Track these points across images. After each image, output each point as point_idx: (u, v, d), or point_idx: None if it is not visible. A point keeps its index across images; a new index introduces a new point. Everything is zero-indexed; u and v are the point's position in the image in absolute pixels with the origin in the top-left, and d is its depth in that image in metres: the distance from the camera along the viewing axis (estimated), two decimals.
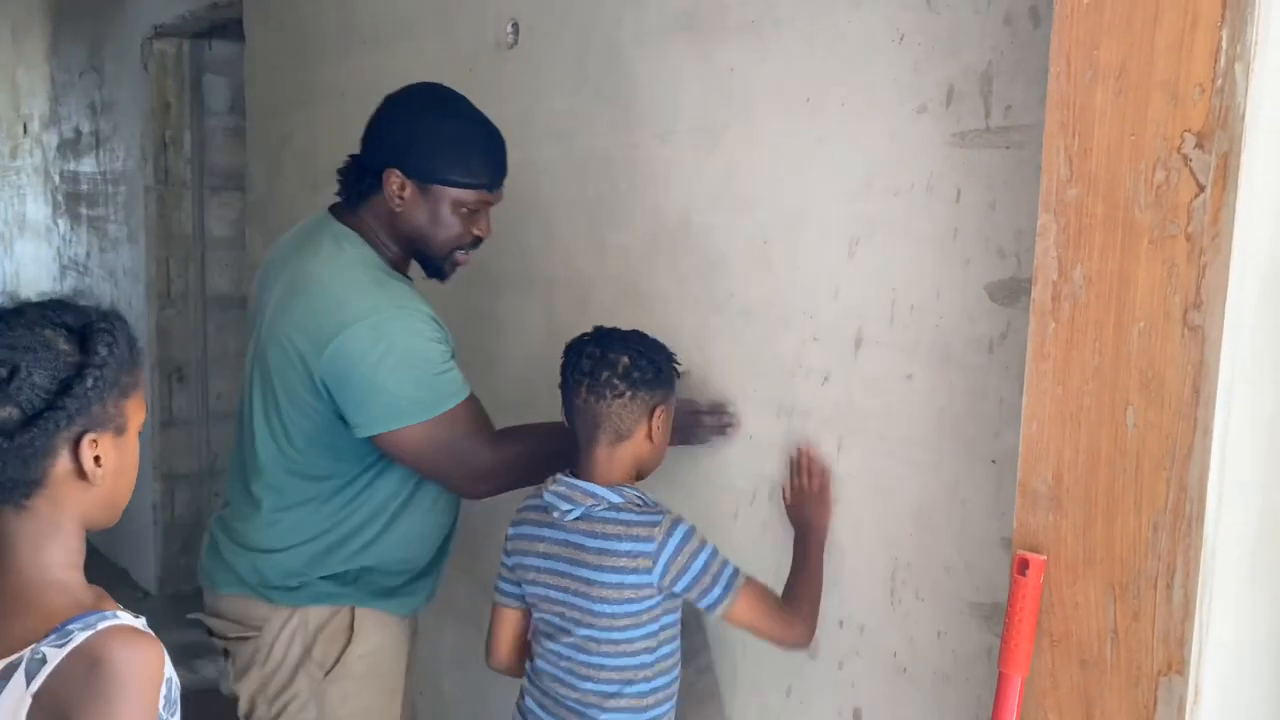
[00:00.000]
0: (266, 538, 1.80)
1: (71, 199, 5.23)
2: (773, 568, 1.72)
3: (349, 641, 1.81)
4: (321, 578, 1.80)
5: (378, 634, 1.84)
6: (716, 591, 1.50)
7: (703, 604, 1.52)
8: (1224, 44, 1.04)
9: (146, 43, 4.13)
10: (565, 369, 1.57)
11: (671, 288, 1.88)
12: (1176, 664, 1.10)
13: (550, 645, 1.57)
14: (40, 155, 5.66)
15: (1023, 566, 1.21)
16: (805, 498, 1.62)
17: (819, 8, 1.59)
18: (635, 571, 1.49)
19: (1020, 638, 1.21)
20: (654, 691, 1.56)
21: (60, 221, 5.40)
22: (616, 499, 1.52)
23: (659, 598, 1.51)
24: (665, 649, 1.56)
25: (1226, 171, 1.04)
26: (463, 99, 1.81)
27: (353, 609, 1.82)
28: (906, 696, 1.53)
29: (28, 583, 1.08)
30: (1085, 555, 1.17)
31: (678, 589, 1.51)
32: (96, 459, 1.09)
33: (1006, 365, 1.38)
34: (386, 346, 1.65)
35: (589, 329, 1.62)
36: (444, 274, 1.84)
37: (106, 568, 4.47)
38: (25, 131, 5.87)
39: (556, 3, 2.10)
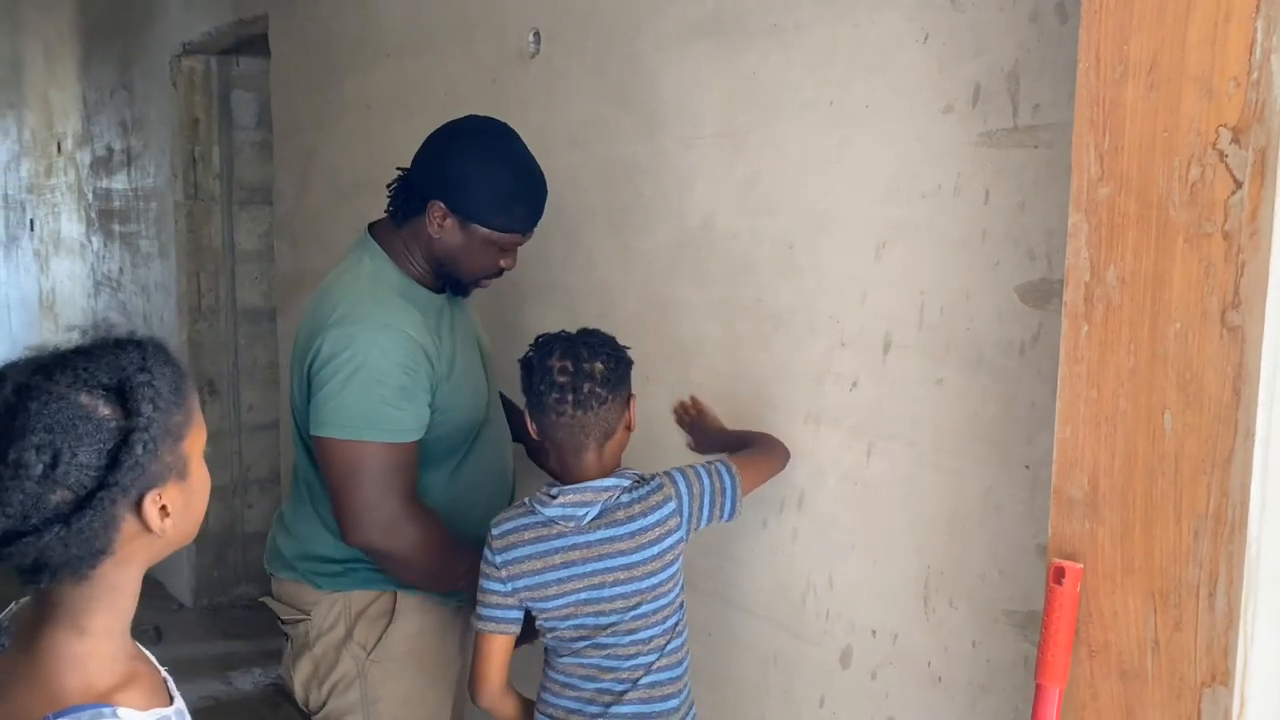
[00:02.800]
0: (308, 526, 1.88)
1: (104, 216, 5.29)
2: (803, 577, 1.70)
3: (390, 623, 1.86)
4: (364, 564, 1.85)
5: (420, 618, 1.89)
6: (728, 494, 1.58)
7: (726, 515, 1.59)
8: (1259, 36, 1.01)
9: (175, 60, 4.17)
10: (536, 388, 1.56)
11: (696, 294, 1.87)
12: (1221, 675, 1.07)
13: (585, 644, 1.58)
14: (74, 173, 5.74)
15: (1059, 575, 1.18)
16: (699, 425, 1.82)
17: (841, 9, 1.58)
18: (669, 534, 1.55)
19: (1057, 648, 1.18)
20: (683, 645, 1.63)
21: (94, 238, 5.47)
22: (625, 482, 1.57)
23: (683, 549, 1.59)
24: (683, 600, 1.63)
25: (1264, 167, 1.02)
26: (516, 142, 1.85)
27: (395, 594, 1.86)
28: (941, 707, 1.50)
29: (53, 652, 1.01)
30: (1123, 563, 1.15)
31: (703, 524, 1.58)
32: (164, 508, 1.02)
33: (1039, 369, 1.35)
34: (350, 355, 1.70)
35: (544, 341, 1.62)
36: (466, 293, 1.93)
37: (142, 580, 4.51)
38: (59, 150, 5.95)
39: (578, 11, 2.10)
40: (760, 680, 1.80)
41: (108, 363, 1.00)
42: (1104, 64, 1.13)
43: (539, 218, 1.85)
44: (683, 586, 1.61)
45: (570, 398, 1.52)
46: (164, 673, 1.12)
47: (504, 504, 1.94)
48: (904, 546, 1.54)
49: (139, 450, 0.97)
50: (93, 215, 5.47)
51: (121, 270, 5.09)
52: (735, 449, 1.70)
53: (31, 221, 6.56)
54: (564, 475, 1.59)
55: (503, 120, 1.87)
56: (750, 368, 1.77)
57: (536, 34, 2.20)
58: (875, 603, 1.59)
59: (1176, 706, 1.10)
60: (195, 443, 1.06)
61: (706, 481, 1.58)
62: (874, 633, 1.59)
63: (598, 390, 1.53)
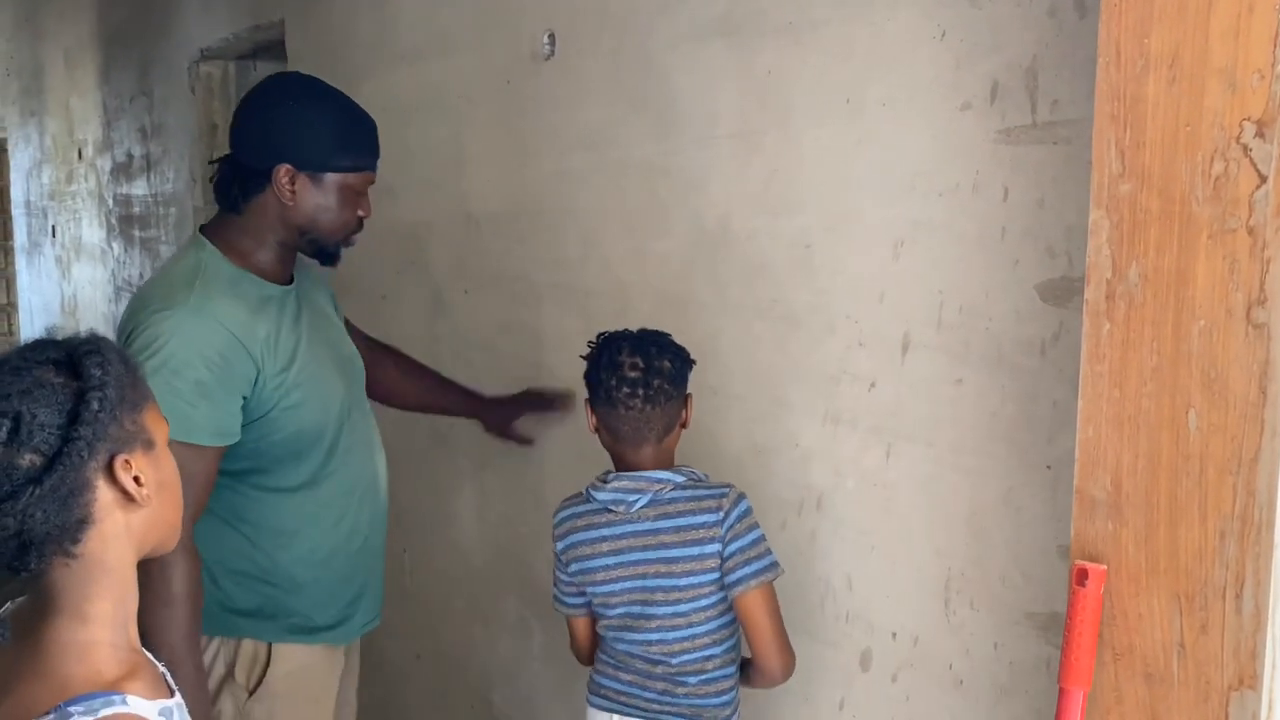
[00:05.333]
0: None
1: (125, 221, 5.34)
2: (822, 579, 1.69)
3: (270, 661, 1.78)
4: (231, 610, 1.74)
5: (303, 655, 1.81)
6: (755, 566, 1.56)
7: (734, 575, 1.56)
8: None
9: (193, 66, 4.20)
10: (606, 383, 1.60)
11: (713, 295, 1.86)
12: (1248, 678, 1.05)
13: (633, 636, 1.61)
14: (94, 180, 5.78)
15: (1081, 577, 1.16)
16: None
17: (857, 7, 1.56)
18: (710, 541, 1.56)
19: (1080, 651, 1.16)
20: (736, 646, 1.64)
21: (114, 244, 5.51)
22: (680, 478, 1.60)
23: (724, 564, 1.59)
24: (733, 609, 1.61)
25: None
26: (325, 83, 1.80)
27: (269, 645, 1.79)
28: (963, 710, 1.49)
29: (57, 641, 1.02)
30: (1148, 565, 1.13)
31: (727, 552, 1.56)
32: (136, 479, 1.04)
33: (1060, 368, 1.34)
34: (147, 341, 1.59)
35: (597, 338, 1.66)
36: (337, 258, 1.85)
37: None
38: (80, 157, 6.00)
39: (591, 13, 2.09)
40: None
41: (53, 345, 1.06)
42: (1124, 58, 1.11)
43: (378, 151, 1.81)
44: (726, 598, 1.59)
45: (641, 392, 1.57)
46: (161, 668, 1.13)
47: (377, 517, 1.91)
48: (924, 548, 1.53)
49: (95, 405, 1.01)
50: (113, 221, 5.51)
51: (142, 275, 5.13)
52: None
53: (53, 228, 6.62)
54: (619, 468, 1.64)
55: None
56: (767, 368, 1.76)
57: (551, 36, 2.20)
58: (895, 605, 1.58)
59: (1203, 710, 1.09)
60: (156, 422, 1.09)
61: (753, 537, 1.56)
62: (894, 635, 1.58)
63: (666, 386, 1.59)
